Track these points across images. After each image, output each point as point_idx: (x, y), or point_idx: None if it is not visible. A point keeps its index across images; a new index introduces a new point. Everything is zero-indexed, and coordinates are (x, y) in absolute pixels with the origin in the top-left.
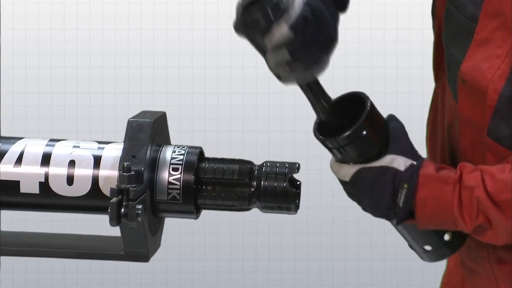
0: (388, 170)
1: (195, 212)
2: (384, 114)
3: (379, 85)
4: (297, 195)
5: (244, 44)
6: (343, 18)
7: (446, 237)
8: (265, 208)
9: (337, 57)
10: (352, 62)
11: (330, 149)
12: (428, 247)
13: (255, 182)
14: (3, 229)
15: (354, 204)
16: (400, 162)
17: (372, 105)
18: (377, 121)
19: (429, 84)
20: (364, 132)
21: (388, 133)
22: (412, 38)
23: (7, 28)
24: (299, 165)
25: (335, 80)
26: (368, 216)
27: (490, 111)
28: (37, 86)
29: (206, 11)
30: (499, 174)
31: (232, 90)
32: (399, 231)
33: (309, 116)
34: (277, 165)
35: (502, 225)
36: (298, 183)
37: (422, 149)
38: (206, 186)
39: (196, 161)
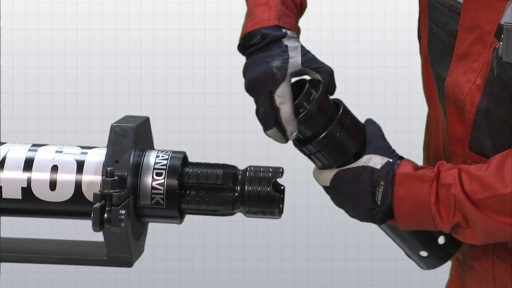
0: (365, 169)
1: (178, 217)
2: (384, 114)
3: (379, 85)
4: (281, 200)
5: None
6: (343, 18)
7: (441, 240)
8: (249, 213)
9: (337, 57)
10: (352, 62)
11: (309, 156)
12: (424, 253)
13: (239, 187)
14: (3, 228)
15: None
16: (376, 161)
17: (344, 110)
18: (351, 124)
19: None
20: (337, 136)
21: (364, 136)
22: (412, 38)
23: (7, 28)
24: (282, 169)
25: (335, 80)
26: None
27: (470, 125)
28: (37, 86)
29: (206, 11)
30: (476, 171)
31: (232, 90)
32: (394, 240)
33: None
34: (261, 169)
35: (479, 223)
36: (282, 187)
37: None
38: (190, 191)
39: (179, 165)
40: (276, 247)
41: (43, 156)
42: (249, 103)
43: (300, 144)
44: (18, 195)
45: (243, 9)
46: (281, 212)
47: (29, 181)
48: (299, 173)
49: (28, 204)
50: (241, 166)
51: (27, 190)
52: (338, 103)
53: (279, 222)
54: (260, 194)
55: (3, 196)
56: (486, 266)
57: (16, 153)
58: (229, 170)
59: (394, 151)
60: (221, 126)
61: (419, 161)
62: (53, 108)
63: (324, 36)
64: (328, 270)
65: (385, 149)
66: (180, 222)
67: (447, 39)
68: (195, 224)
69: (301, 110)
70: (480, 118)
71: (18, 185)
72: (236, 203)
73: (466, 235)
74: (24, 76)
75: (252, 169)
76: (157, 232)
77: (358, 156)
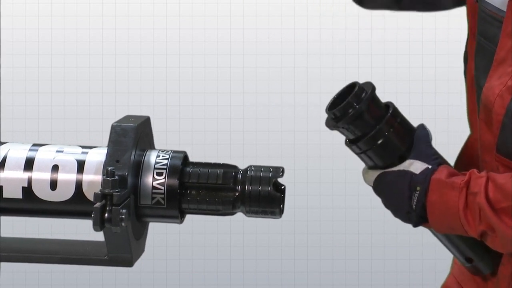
0: (405, 174)
1: (179, 217)
2: None
3: (379, 85)
4: (282, 199)
5: (244, 44)
6: (343, 18)
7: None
8: (249, 213)
9: (337, 57)
10: (352, 62)
11: (358, 155)
12: (471, 258)
13: (239, 187)
14: (3, 228)
15: (354, 204)
16: (417, 166)
17: (393, 112)
18: (399, 127)
19: (429, 84)
20: (384, 137)
21: (412, 140)
22: (412, 38)
23: (7, 28)
24: (283, 169)
25: (335, 80)
26: (368, 216)
27: (497, 127)
28: (37, 86)
29: (206, 11)
30: (501, 180)
31: (232, 90)
32: (443, 243)
33: (309, 115)
34: (262, 169)
35: (502, 233)
36: (283, 187)
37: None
38: (191, 190)
39: (180, 165)
40: (276, 247)
41: (43, 156)
42: (250, 103)
43: (350, 143)
44: (19, 195)
45: (243, 9)
46: (281, 211)
47: (29, 181)
48: (299, 173)
49: (28, 203)
50: (241, 166)
51: (27, 190)
52: (389, 105)
53: (279, 222)
54: (260, 193)
55: (4, 196)
56: (506, 272)
57: (17, 152)
58: (229, 170)
59: (438, 157)
60: (221, 126)
61: None
62: (53, 108)
63: (324, 36)
64: (328, 270)
65: (428, 155)
66: (181, 222)
67: (494, 50)
68: (195, 224)
69: (350, 110)
70: (508, 119)
71: (18, 184)
72: (237, 203)
73: (494, 243)
74: (24, 76)
75: (253, 168)
76: (157, 232)
77: (403, 160)
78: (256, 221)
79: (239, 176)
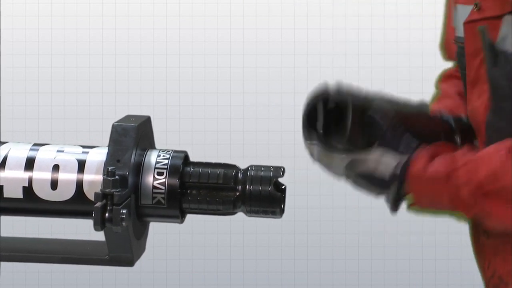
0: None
1: (180, 216)
2: None
3: (379, 85)
4: (282, 199)
5: (244, 44)
6: (343, 18)
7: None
8: (250, 212)
9: (337, 57)
10: (352, 62)
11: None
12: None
13: (240, 186)
14: (3, 228)
15: (354, 204)
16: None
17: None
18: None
19: (429, 84)
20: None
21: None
22: (412, 38)
23: (7, 28)
24: (284, 169)
25: (335, 80)
26: (368, 216)
27: (482, 142)
28: (37, 86)
29: (206, 11)
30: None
31: (232, 90)
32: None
33: None
34: (262, 169)
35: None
36: (283, 187)
37: None
38: (191, 190)
39: (181, 165)
40: (276, 247)
41: (44, 156)
42: (250, 103)
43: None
44: (19, 194)
45: (243, 9)
46: (282, 211)
47: (30, 181)
48: (299, 173)
49: (29, 203)
50: (241, 166)
51: (28, 190)
52: None
53: (279, 222)
54: (261, 193)
55: (4, 195)
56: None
57: (18, 152)
58: (230, 170)
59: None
60: (221, 126)
61: None
62: (53, 108)
63: (324, 36)
64: (328, 270)
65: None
66: (181, 222)
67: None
68: (195, 224)
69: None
70: (491, 133)
71: (19, 184)
72: (237, 203)
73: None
74: (24, 76)
75: (253, 168)
76: (157, 232)
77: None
78: (256, 221)
79: (240, 175)
